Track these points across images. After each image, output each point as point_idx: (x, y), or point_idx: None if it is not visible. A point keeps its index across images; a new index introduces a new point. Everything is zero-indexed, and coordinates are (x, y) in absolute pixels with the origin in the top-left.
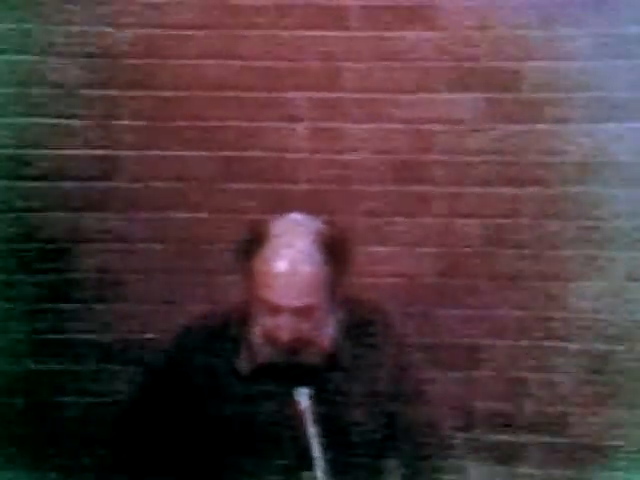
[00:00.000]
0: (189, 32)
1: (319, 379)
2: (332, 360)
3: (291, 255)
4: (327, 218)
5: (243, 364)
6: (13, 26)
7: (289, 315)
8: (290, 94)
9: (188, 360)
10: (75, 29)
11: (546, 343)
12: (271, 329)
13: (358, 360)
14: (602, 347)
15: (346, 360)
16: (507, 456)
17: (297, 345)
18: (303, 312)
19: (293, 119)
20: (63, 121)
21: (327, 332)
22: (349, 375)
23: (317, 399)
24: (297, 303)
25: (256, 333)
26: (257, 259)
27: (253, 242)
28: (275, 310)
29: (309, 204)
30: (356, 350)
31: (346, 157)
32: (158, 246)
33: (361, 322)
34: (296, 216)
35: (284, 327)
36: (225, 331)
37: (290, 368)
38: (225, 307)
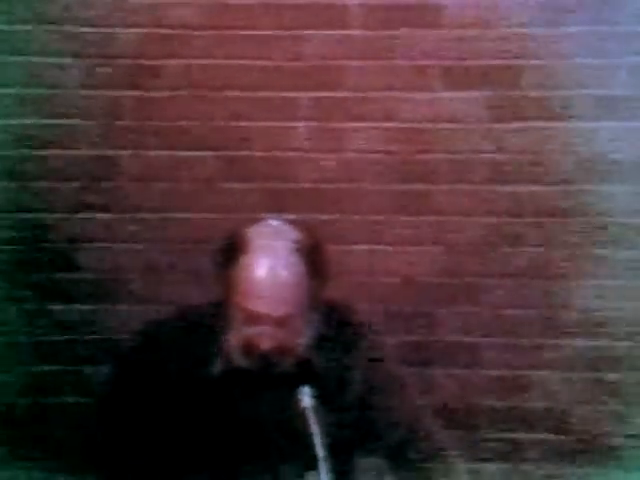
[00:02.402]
0: (189, 32)
1: (292, 384)
2: (306, 365)
3: (271, 263)
4: (304, 225)
5: (216, 365)
6: (12, 27)
7: (268, 324)
8: (290, 93)
9: (161, 354)
10: (74, 30)
11: (548, 341)
12: (249, 337)
13: (332, 363)
14: (604, 345)
15: (320, 364)
16: (509, 454)
17: (274, 353)
18: (282, 321)
19: (293, 118)
20: (62, 121)
21: (304, 339)
22: (324, 379)
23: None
24: (277, 312)
25: (232, 339)
26: (236, 267)
27: (231, 249)
28: (254, 318)
29: (309, 203)
30: (330, 353)
31: (347, 156)
32: (159, 246)
33: (333, 324)
34: (274, 222)
35: (263, 335)
36: (199, 329)
37: (263, 373)
38: (201, 304)
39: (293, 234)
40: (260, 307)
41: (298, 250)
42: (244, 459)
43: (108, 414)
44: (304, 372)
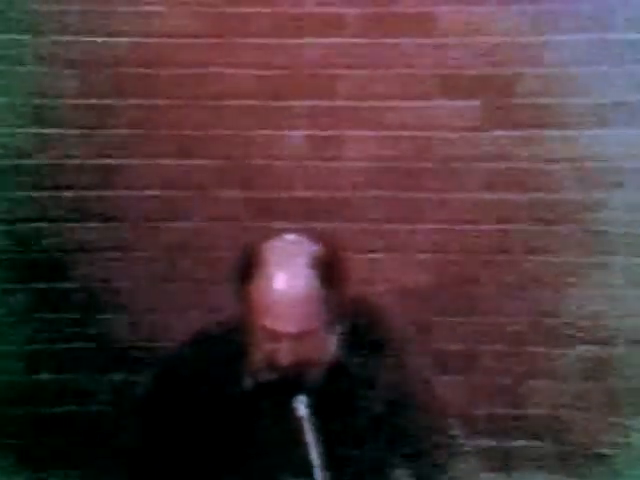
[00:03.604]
0: (185, 40)
1: (322, 389)
2: (334, 371)
3: (288, 281)
4: (321, 236)
5: (246, 379)
6: (8, 36)
7: (288, 340)
8: (287, 101)
9: (192, 370)
10: (70, 39)
11: (545, 349)
12: (271, 354)
13: (360, 366)
14: (601, 353)
15: (348, 368)
16: (506, 462)
17: (296, 368)
18: (302, 336)
19: (290, 126)
20: (58, 130)
21: (327, 350)
22: (352, 382)
23: (319, 407)
24: (296, 329)
25: (255, 356)
26: (253, 285)
27: (248, 267)
28: (274, 336)
29: (306, 211)
30: (358, 356)
31: (343, 164)
32: (154, 254)
33: (363, 327)
34: (290, 237)
35: (284, 352)
36: (229, 345)
37: (292, 383)
38: (229, 319)
39: (309, 248)
40: (278, 325)
41: (315, 265)
42: (259, 470)
43: (143, 422)
44: (334, 378)
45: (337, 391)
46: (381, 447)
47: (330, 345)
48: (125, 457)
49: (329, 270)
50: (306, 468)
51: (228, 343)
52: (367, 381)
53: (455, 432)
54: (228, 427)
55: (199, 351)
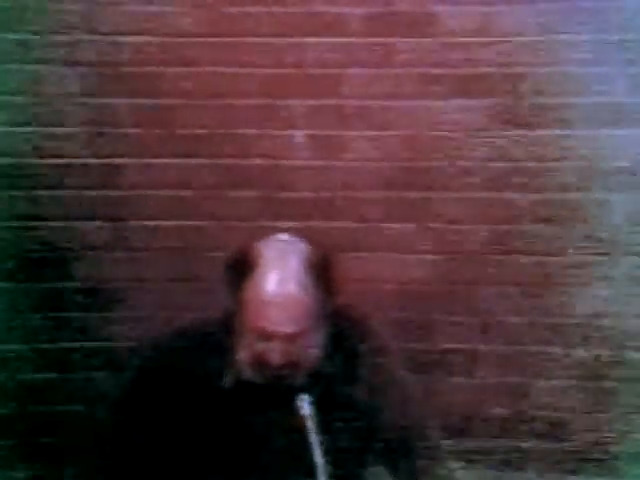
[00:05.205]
0: (188, 40)
1: (301, 392)
2: (315, 374)
3: (281, 281)
4: (314, 237)
5: (226, 379)
6: (12, 36)
7: (279, 341)
8: (290, 101)
9: (170, 366)
10: (74, 38)
11: (547, 349)
12: (261, 354)
13: (338, 368)
14: (603, 353)
15: (327, 371)
16: (507, 462)
17: (286, 368)
18: (294, 337)
19: (293, 126)
20: (62, 129)
21: (315, 352)
22: (332, 385)
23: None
24: (289, 330)
25: (243, 354)
26: (246, 285)
27: (241, 267)
28: (266, 336)
29: (308, 211)
30: (336, 359)
31: (346, 164)
32: (157, 254)
33: (342, 330)
34: (283, 237)
35: (274, 352)
36: (210, 343)
37: (273, 386)
38: (211, 317)
39: (303, 249)
40: (271, 325)
41: (308, 266)
42: (248, 469)
43: (121, 422)
44: (312, 381)
45: (318, 394)
46: (357, 448)
47: (317, 348)
48: (101, 459)
49: (322, 271)
50: (302, 467)
51: (208, 339)
52: (346, 386)
53: (434, 437)
54: (208, 424)
55: (177, 347)
